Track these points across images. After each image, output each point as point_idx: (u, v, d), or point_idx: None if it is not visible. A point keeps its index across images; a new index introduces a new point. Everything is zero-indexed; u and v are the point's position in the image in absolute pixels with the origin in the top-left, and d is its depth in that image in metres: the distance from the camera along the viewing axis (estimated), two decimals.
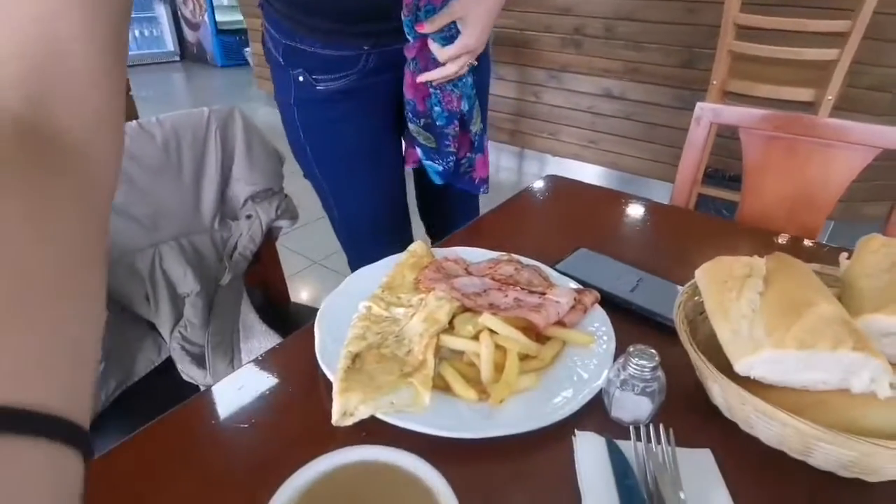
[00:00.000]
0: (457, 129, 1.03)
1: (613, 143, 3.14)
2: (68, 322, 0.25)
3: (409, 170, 1.17)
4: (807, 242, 0.96)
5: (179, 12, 6.95)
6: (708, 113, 1.32)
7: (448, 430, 0.53)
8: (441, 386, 0.58)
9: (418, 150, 1.08)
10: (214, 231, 1.18)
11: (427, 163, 1.08)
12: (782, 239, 0.96)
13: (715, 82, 2.11)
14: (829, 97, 1.94)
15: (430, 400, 0.56)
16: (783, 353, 0.47)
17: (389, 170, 1.16)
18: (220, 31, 6.65)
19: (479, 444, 0.53)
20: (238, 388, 0.62)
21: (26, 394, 0.21)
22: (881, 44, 2.23)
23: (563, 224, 1.04)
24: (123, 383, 1.05)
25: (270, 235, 1.27)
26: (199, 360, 1.08)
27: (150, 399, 1.04)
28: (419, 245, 0.79)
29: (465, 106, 1.01)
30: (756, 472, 0.53)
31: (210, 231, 1.17)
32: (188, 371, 1.07)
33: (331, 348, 0.61)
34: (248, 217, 1.20)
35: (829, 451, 0.46)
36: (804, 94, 1.98)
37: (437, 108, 1.00)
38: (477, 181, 1.13)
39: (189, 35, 7.03)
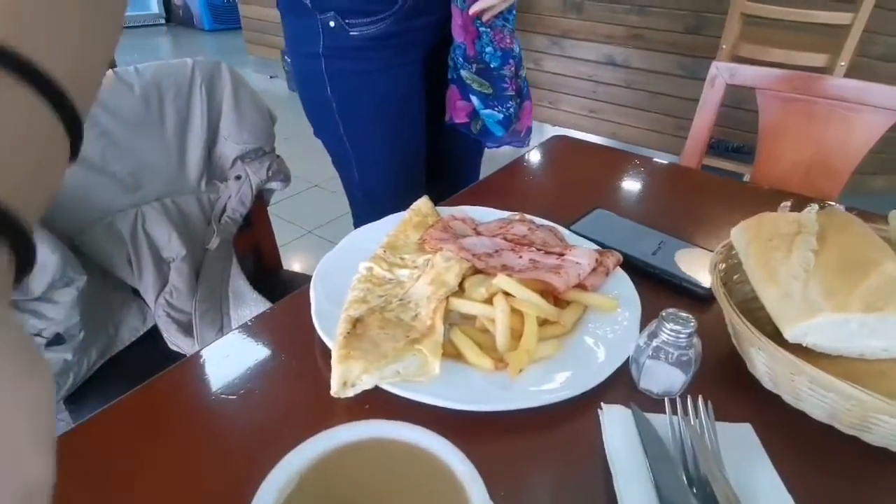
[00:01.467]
0: (512, 69, 0.99)
1: (614, 112, 3.06)
2: None
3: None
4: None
5: None
6: (724, 72, 1.25)
7: (461, 401, 0.47)
8: (452, 353, 0.53)
9: (474, 100, 1.02)
10: (201, 192, 1.11)
11: (485, 112, 1.02)
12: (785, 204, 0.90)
13: (725, 46, 2.03)
14: (842, 63, 1.88)
15: (441, 369, 0.50)
16: (845, 318, 0.42)
17: (416, 124, 1.10)
18: None
19: (495, 418, 0.48)
20: (225, 356, 0.56)
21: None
22: (894, 13, 2.15)
23: (574, 185, 0.98)
24: (106, 352, 0.99)
25: (262, 198, 1.20)
26: (187, 329, 1.03)
27: (135, 369, 0.97)
28: (424, 202, 0.73)
29: (516, 46, 0.97)
30: (800, 449, 0.48)
31: (196, 192, 1.10)
32: (175, 340, 1.01)
33: (329, 312, 0.55)
34: (238, 178, 1.13)
35: (889, 426, 0.41)
36: (817, 59, 1.91)
37: (488, 49, 0.96)
38: (523, 133, 1.09)
39: None
